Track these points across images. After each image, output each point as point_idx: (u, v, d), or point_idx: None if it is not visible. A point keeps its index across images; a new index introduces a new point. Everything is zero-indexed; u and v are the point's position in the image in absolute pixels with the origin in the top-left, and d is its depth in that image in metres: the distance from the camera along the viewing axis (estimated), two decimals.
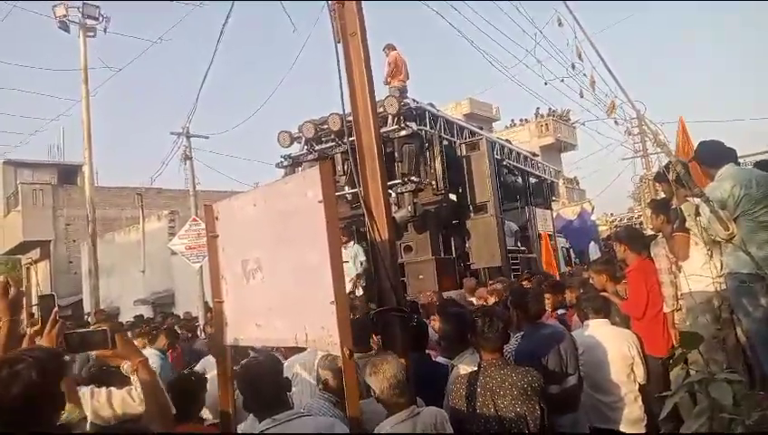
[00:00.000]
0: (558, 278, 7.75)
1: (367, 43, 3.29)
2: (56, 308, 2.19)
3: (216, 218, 2.73)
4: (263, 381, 2.38)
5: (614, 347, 4.01)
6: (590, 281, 5.12)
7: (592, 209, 21.07)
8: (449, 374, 3.31)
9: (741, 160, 4.05)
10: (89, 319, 14.67)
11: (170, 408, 2.14)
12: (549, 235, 11.94)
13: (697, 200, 3.55)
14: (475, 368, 2.98)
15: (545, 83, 9.97)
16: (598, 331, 4.12)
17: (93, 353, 2.09)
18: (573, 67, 9.05)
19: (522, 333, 3.67)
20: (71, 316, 15.34)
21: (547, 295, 5.32)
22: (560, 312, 5.20)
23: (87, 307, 17.46)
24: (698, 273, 3.80)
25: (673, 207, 4.10)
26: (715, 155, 3.75)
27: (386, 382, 2.46)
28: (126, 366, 2.03)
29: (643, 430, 3.86)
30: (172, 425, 2.15)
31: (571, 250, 14.65)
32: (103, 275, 15.68)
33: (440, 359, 3.70)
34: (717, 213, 3.40)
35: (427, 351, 3.79)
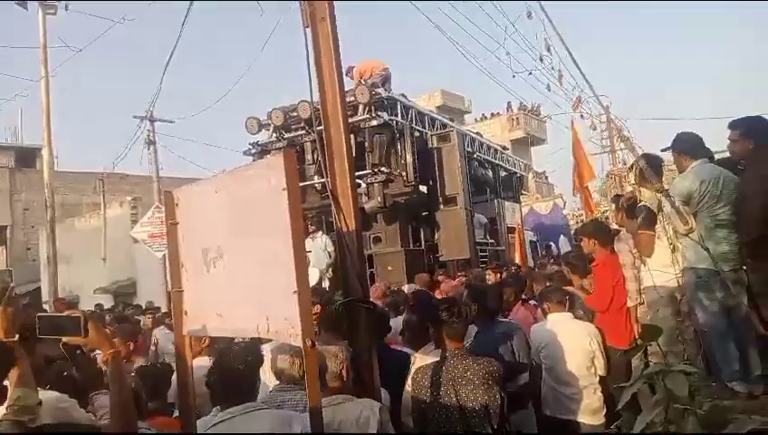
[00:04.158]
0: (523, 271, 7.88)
1: (336, 30, 3.22)
2: (12, 283, 2.08)
3: (177, 205, 2.63)
4: (235, 372, 2.33)
5: (575, 340, 4.08)
6: (563, 273, 5.21)
7: (564, 204, 21.42)
8: (408, 363, 3.33)
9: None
10: (47, 308, 14.22)
11: (133, 405, 2.06)
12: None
13: (659, 195, 3.62)
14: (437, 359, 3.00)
15: (513, 76, 10.15)
16: (560, 324, 4.19)
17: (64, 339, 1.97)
18: (542, 60, 9.19)
19: (476, 330, 3.69)
20: (29, 304, 14.83)
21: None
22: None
23: (45, 295, 16.91)
24: (662, 267, 3.89)
25: (639, 204, 4.18)
26: (690, 146, 3.80)
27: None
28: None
29: (602, 421, 3.95)
30: (134, 422, 2.06)
31: (538, 244, 14.88)
32: (62, 262, 15.18)
33: (404, 349, 3.70)
34: (677, 207, 3.48)
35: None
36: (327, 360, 2.61)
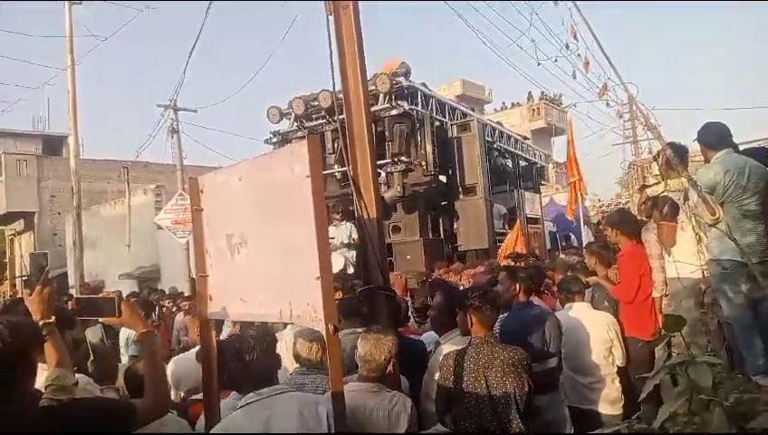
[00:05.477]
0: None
1: (359, 18, 3.22)
2: (48, 267, 2.17)
3: (201, 192, 2.68)
4: (255, 355, 2.36)
5: (593, 330, 4.06)
6: (584, 263, 5.16)
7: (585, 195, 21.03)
8: (425, 352, 3.35)
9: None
10: (73, 292, 14.57)
11: (167, 383, 2.12)
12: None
13: (687, 183, 3.55)
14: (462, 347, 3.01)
15: (538, 64, 9.97)
16: (578, 313, 4.17)
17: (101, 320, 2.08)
18: (567, 47, 9.02)
19: (506, 313, 3.70)
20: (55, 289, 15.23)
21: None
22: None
23: (71, 280, 17.33)
24: (685, 259, 3.83)
25: (662, 193, 4.11)
26: (715, 137, 3.71)
27: None
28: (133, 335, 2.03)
29: (620, 411, 3.93)
30: (168, 399, 2.12)
31: (558, 235, 14.72)
32: (88, 247, 15.52)
33: (431, 333, 3.74)
34: (704, 197, 3.41)
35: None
36: (374, 349, 2.62)
